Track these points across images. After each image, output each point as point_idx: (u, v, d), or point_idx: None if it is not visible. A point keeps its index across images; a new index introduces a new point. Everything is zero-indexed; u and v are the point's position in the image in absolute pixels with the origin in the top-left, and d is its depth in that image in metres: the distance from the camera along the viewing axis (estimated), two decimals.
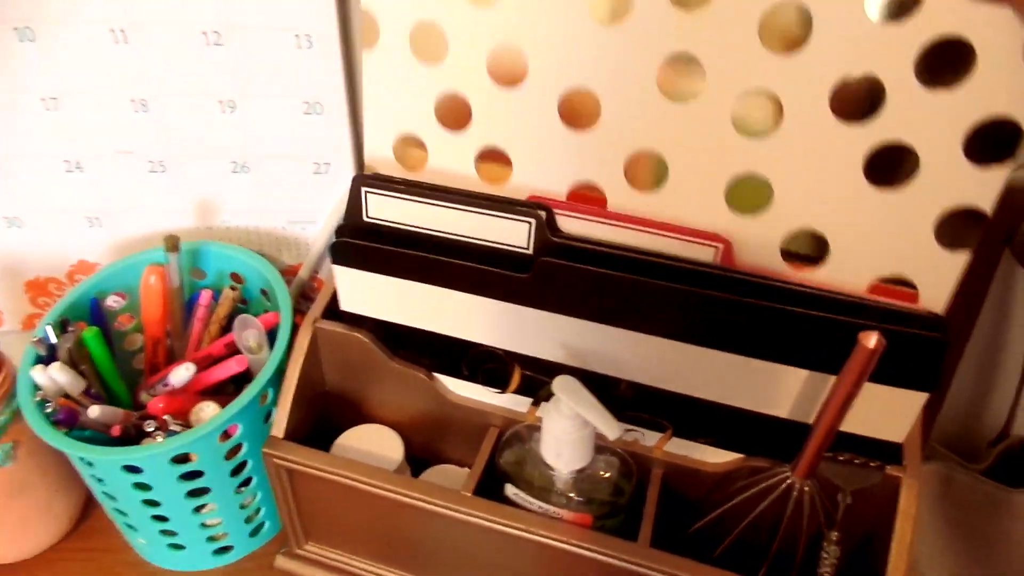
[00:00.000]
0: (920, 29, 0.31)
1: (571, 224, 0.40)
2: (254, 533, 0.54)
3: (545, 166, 0.39)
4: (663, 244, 0.38)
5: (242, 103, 0.50)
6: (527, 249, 0.39)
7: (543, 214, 0.38)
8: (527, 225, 0.39)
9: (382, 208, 0.41)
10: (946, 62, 0.31)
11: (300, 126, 0.51)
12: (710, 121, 0.35)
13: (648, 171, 0.37)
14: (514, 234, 0.39)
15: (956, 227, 0.34)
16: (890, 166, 0.34)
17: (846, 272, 0.36)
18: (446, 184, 0.41)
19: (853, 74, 0.32)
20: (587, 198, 0.39)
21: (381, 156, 0.43)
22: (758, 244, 0.37)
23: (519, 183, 0.40)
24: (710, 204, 0.37)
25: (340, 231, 0.43)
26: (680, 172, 0.37)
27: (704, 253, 0.38)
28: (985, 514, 0.58)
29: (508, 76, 0.38)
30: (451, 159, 0.41)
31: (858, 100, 0.33)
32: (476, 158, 0.40)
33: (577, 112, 0.37)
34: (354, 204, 0.42)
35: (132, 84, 0.50)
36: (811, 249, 0.37)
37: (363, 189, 0.41)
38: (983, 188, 0.33)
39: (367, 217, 0.42)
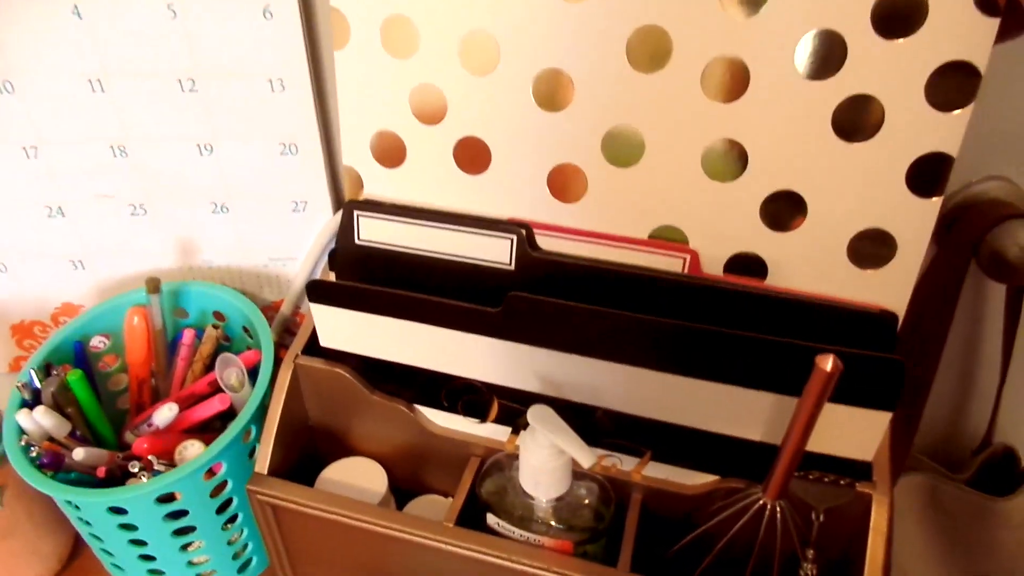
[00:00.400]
0: None
1: (549, 243, 0.41)
2: (242, 569, 0.54)
3: (524, 151, 0.40)
4: (634, 257, 0.40)
5: (219, 145, 0.51)
6: (509, 265, 0.41)
7: (523, 231, 0.40)
8: (508, 242, 0.40)
9: (372, 231, 0.43)
10: (901, 15, 0.33)
11: (277, 166, 0.52)
12: (681, 90, 0.36)
13: (625, 146, 0.38)
14: (497, 251, 0.41)
15: (926, 174, 0.35)
16: (857, 120, 0.35)
17: (826, 230, 0.37)
18: (428, 180, 0.42)
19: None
20: (567, 179, 0.40)
21: (360, 155, 0.43)
22: (738, 212, 0.38)
23: (499, 171, 0.41)
24: (687, 174, 0.38)
25: (333, 255, 0.45)
26: (656, 144, 0.38)
27: (673, 264, 0.40)
28: (971, 523, 0.58)
29: (481, 64, 0.39)
30: (430, 152, 0.42)
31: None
32: (455, 148, 0.41)
33: (552, 93, 0.38)
34: (347, 227, 0.43)
35: (110, 131, 0.51)
36: (789, 211, 0.37)
37: (355, 212, 0.42)
38: (948, 133, 0.34)
39: (359, 240, 0.43)
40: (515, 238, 0.40)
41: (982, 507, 0.57)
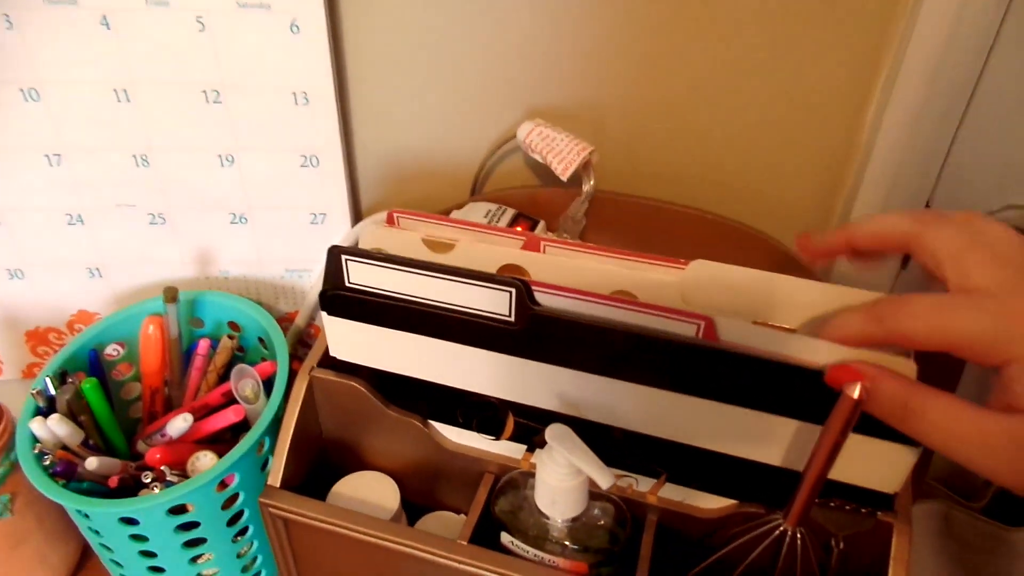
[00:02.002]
0: None
1: (549, 300, 0.39)
2: None
3: None
4: (644, 320, 0.37)
5: (240, 157, 0.52)
6: (509, 317, 0.39)
7: (521, 285, 0.38)
8: (507, 295, 0.39)
9: (363, 275, 0.41)
10: None
11: (297, 178, 0.52)
12: None
13: None
14: (496, 303, 0.39)
15: None
16: None
17: None
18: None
19: None
20: None
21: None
22: None
23: None
24: None
25: (323, 296, 0.43)
26: None
27: (686, 329, 0.37)
28: (984, 552, 0.58)
29: None
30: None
31: None
32: None
33: None
34: (335, 272, 0.41)
35: (133, 140, 0.51)
36: None
37: (344, 257, 0.40)
38: None
39: (349, 283, 0.42)
40: (513, 291, 0.38)
41: (996, 537, 0.56)
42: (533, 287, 0.38)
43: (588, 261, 0.41)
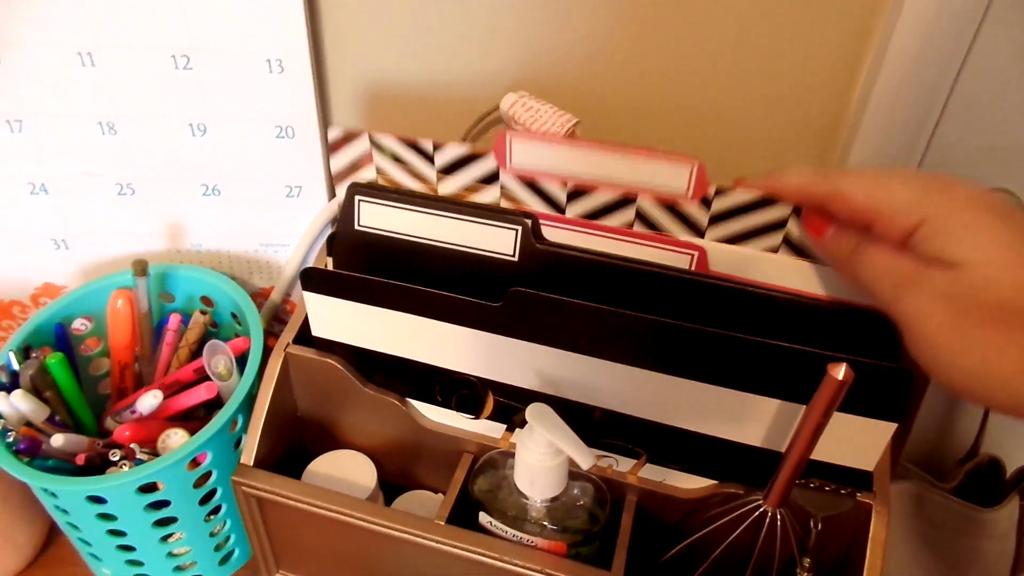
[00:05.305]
0: None
1: (556, 234, 0.40)
2: (224, 561, 0.53)
3: None
4: (642, 252, 0.39)
5: (212, 126, 0.50)
6: (512, 256, 0.40)
7: (529, 222, 0.39)
8: (513, 232, 0.39)
9: (373, 217, 0.42)
10: None
11: (272, 149, 0.51)
12: None
13: None
14: (501, 241, 0.40)
15: None
16: None
17: None
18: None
19: None
20: None
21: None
22: None
23: None
24: None
25: (331, 239, 0.43)
26: None
27: (680, 260, 0.39)
28: (956, 533, 0.59)
29: None
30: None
31: None
32: None
33: None
34: (347, 212, 0.42)
35: (100, 107, 0.49)
36: None
37: (357, 198, 0.41)
38: None
39: (359, 225, 0.42)
40: (520, 229, 0.39)
41: (967, 517, 0.57)
42: (541, 220, 0.39)
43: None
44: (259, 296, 0.60)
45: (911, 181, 0.31)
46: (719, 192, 0.38)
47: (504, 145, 0.40)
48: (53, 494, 0.45)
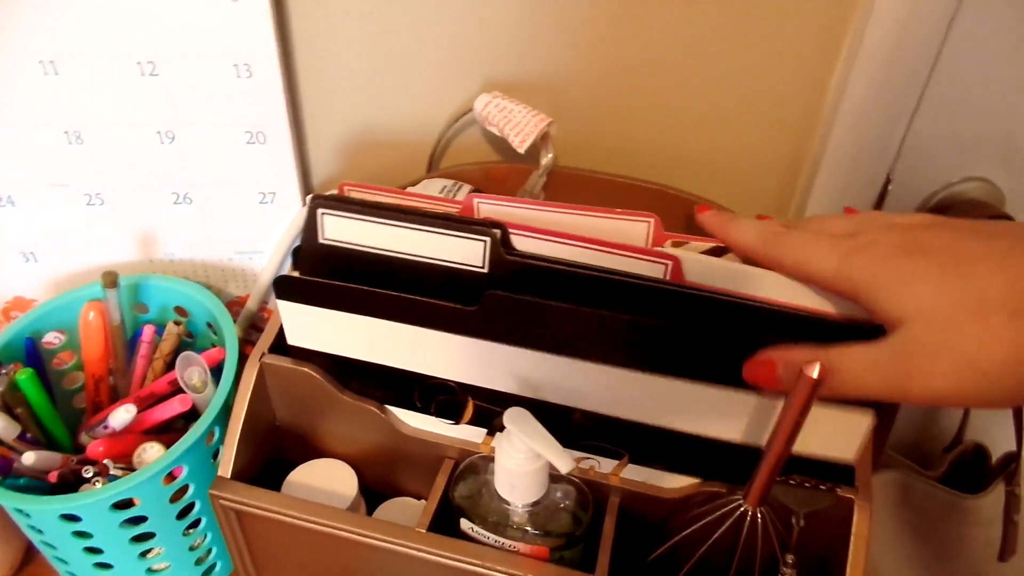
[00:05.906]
0: None
1: (525, 244, 0.39)
2: (205, 575, 0.52)
3: None
4: (615, 261, 0.38)
5: (181, 133, 0.49)
6: (482, 268, 0.39)
7: (497, 232, 0.38)
8: (482, 244, 0.38)
9: (338, 229, 0.40)
10: None
11: (243, 155, 0.50)
12: None
13: None
14: (470, 253, 0.39)
15: None
16: None
17: None
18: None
19: None
20: None
21: None
22: None
23: None
24: None
25: (296, 253, 0.42)
26: None
27: (655, 270, 0.38)
28: (942, 520, 0.59)
29: None
30: None
31: None
32: None
33: None
34: (310, 225, 0.41)
35: (64, 116, 0.48)
36: None
37: (319, 211, 0.40)
38: None
39: (323, 239, 0.41)
40: (489, 240, 0.38)
41: (952, 504, 0.58)
42: (511, 229, 0.38)
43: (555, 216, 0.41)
44: (235, 304, 0.59)
45: (831, 251, 0.31)
46: (676, 245, 0.39)
47: (472, 210, 0.41)
48: (26, 514, 0.44)
